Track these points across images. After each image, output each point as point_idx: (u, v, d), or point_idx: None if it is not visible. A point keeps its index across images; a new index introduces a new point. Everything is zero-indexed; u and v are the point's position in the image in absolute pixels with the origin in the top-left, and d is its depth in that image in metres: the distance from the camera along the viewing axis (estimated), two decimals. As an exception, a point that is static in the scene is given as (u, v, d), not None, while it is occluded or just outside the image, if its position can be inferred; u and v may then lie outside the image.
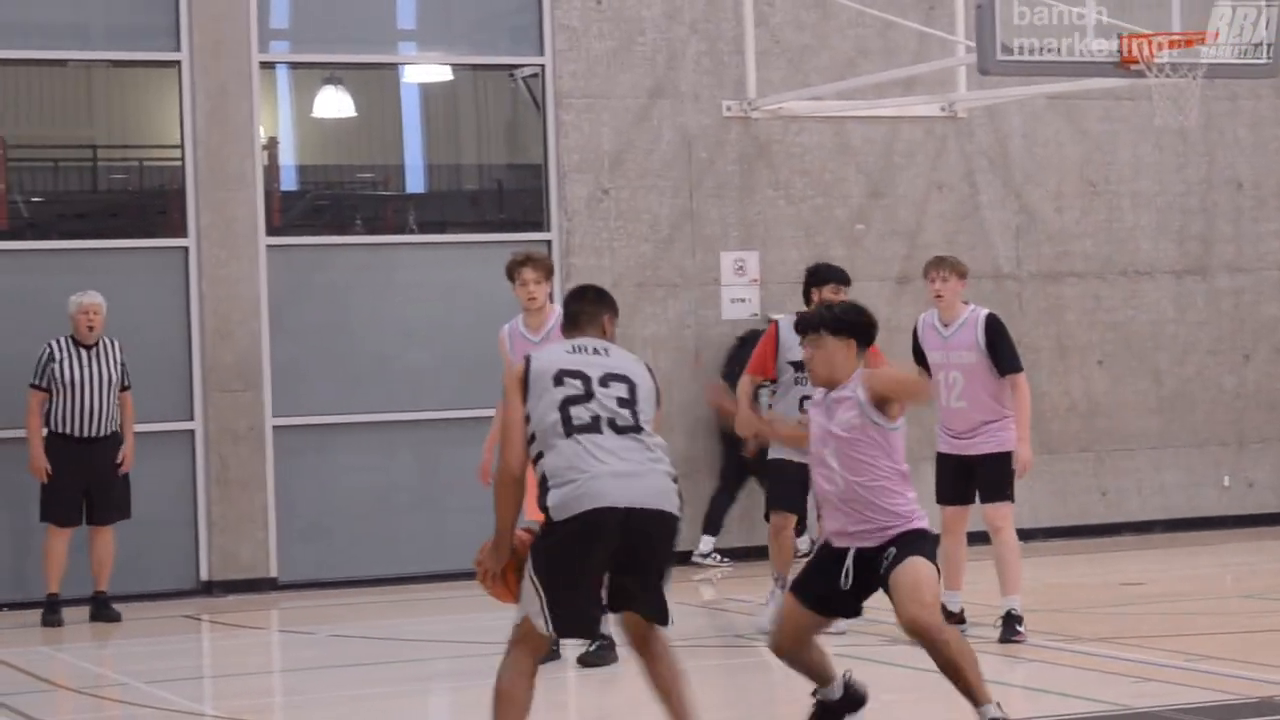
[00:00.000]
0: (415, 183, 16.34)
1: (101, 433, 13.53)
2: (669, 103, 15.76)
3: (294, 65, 15.60)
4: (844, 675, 8.15)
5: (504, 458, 7.33)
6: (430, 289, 15.42)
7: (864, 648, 10.75)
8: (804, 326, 8.17)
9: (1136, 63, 13.24)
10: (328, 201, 16.06)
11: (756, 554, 14.30)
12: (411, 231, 15.72)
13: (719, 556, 15.39)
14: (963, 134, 16.57)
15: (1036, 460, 11.83)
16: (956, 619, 11.26)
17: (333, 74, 15.53)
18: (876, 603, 8.15)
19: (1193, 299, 17.23)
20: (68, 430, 13.48)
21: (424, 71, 15.89)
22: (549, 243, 15.37)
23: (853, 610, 8.14)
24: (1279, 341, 17.52)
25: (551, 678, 9.85)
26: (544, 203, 15.60)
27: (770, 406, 12.05)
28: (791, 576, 9.47)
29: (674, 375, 15.25)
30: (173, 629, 13.45)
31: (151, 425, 14.26)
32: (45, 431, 13.50)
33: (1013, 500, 11.39)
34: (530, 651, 7.30)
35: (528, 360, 7.44)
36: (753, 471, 14.60)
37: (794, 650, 8.08)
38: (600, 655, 10.63)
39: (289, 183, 15.82)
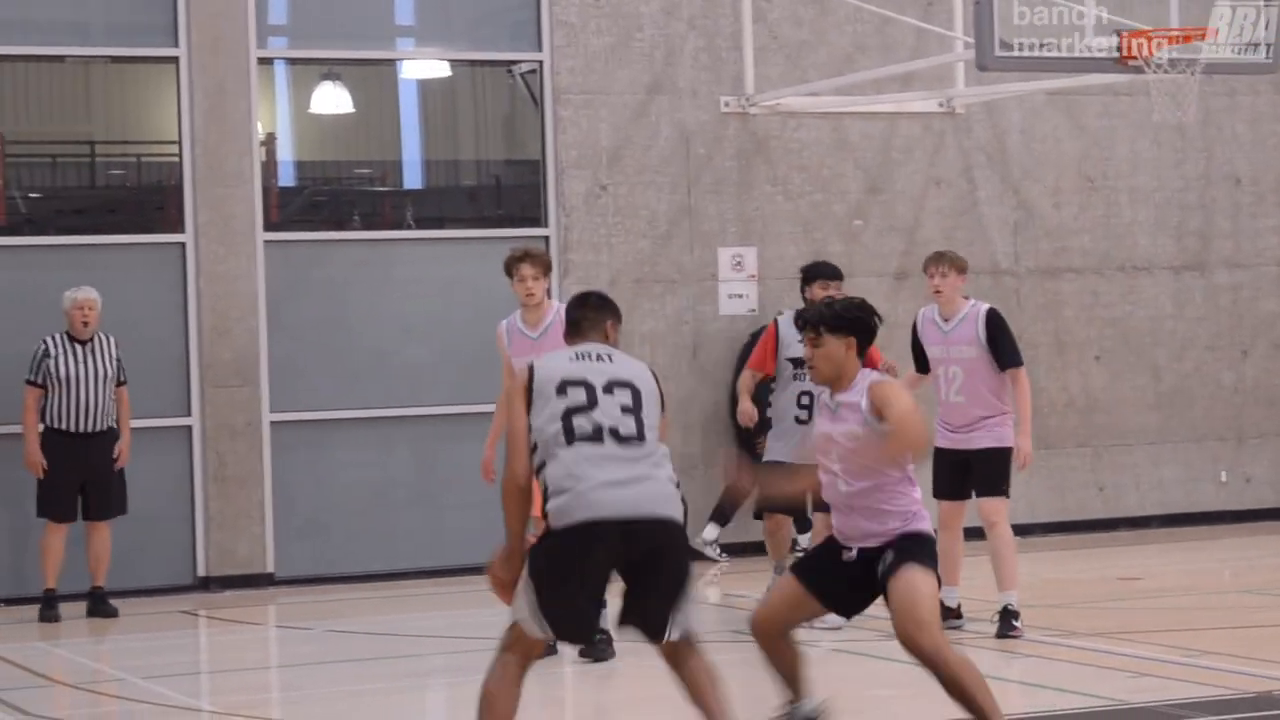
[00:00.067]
0: (413, 178, 16.33)
1: (98, 428, 13.51)
2: (667, 99, 15.75)
3: (292, 61, 15.59)
4: (822, 703, 7.92)
5: (509, 468, 7.29)
6: (428, 285, 15.40)
7: (860, 642, 10.75)
8: (803, 324, 8.15)
9: (1135, 59, 13.24)
10: (326, 197, 16.04)
11: (754, 550, 14.30)
12: (409, 227, 15.70)
13: (718, 550, 15.38)
14: (961, 130, 16.56)
15: (1034, 456, 11.82)
16: (954, 615, 11.28)
17: (331, 70, 15.52)
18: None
19: (1191, 294, 17.23)
20: (64, 426, 13.47)
21: (422, 67, 15.87)
22: (547, 238, 15.36)
23: (847, 610, 8.08)
24: (1277, 337, 17.51)
25: (548, 673, 9.85)
26: (542, 198, 15.59)
27: (770, 406, 12.08)
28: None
29: (671, 371, 15.24)
30: (170, 624, 13.43)
31: (149, 421, 14.25)
32: (41, 427, 13.49)
33: (1009, 496, 11.40)
34: (520, 657, 7.22)
35: (531, 369, 7.39)
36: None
37: (773, 633, 7.87)
38: (598, 650, 10.62)
39: (287, 179, 15.80)
